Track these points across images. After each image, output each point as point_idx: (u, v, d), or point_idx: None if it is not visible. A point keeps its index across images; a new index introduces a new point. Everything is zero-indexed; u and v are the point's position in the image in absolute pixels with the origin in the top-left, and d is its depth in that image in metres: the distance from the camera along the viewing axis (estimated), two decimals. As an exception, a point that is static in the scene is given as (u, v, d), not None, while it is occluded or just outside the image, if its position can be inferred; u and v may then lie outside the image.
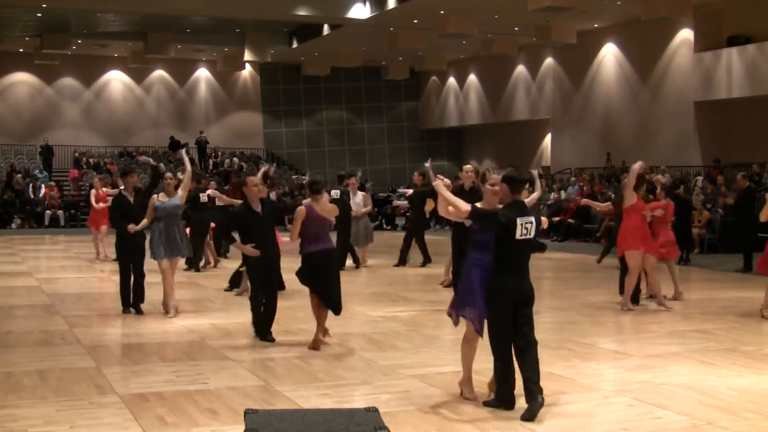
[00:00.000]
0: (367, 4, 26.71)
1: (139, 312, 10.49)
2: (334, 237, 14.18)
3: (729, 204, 16.28)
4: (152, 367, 7.60)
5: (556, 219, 23.34)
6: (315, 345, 8.32)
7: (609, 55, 29.33)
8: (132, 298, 10.56)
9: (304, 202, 8.36)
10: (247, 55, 32.40)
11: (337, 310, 8.39)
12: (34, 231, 26.57)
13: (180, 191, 10.23)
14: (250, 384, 7.02)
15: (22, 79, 35.13)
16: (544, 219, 6.76)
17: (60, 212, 28.20)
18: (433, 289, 13.11)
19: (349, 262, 15.81)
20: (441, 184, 6.37)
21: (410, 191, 16.77)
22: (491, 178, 6.37)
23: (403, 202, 20.06)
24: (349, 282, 14.27)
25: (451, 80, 38.28)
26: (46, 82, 35.36)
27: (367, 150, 39.82)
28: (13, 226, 27.21)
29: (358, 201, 16.08)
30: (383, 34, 28.73)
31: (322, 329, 8.41)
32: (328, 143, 39.16)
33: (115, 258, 11.13)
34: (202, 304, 11.60)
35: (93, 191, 17.48)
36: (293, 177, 31.78)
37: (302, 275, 8.35)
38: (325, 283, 8.28)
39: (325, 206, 8.31)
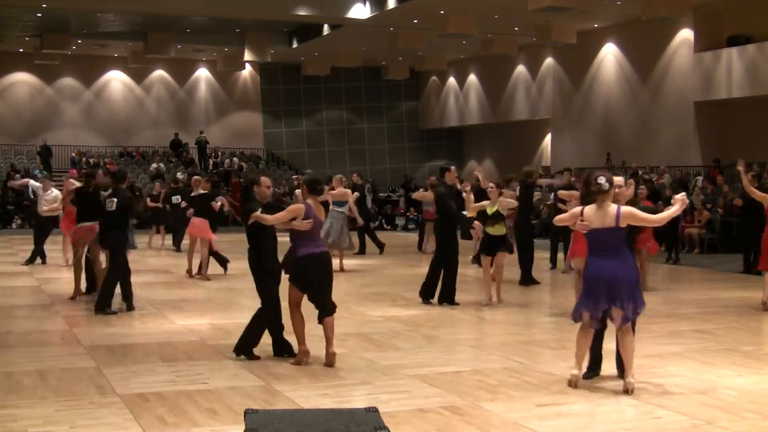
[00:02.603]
0: (367, 4, 26.70)
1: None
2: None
3: (738, 205, 16.23)
4: (152, 367, 7.60)
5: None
6: (300, 360, 7.71)
7: (609, 55, 29.32)
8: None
9: (306, 202, 7.80)
10: (247, 55, 32.40)
11: (329, 312, 7.70)
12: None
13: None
14: (250, 384, 7.02)
15: (22, 79, 35.13)
16: None
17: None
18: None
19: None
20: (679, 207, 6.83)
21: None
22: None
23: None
24: (349, 282, 14.28)
25: (451, 80, 38.28)
26: (46, 82, 35.36)
27: (367, 150, 39.82)
28: (13, 226, 27.20)
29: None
30: (383, 34, 28.72)
31: (304, 343, 7.79)
32: (328, 143, 39.16)
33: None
34: (202, 304, 11.61)
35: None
36: (293, 177, 31.77)
37: (295, 278, 7.70)
38: (318, 286, 7.66)
39: (319, 208, 7.93)
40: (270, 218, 7.61)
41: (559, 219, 7.20)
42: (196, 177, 14.69)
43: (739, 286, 13.46)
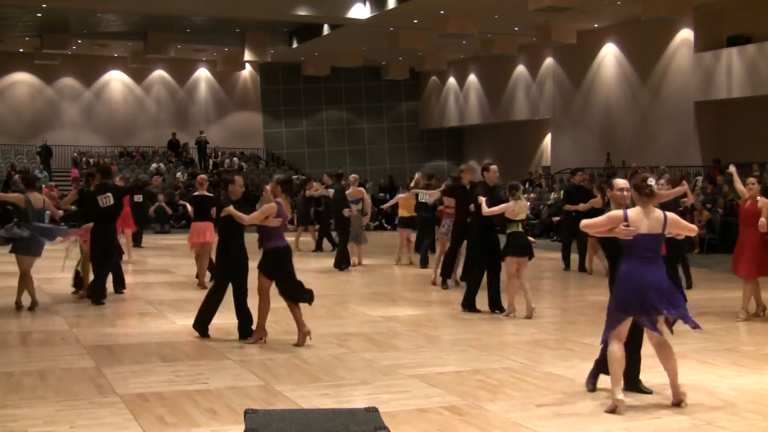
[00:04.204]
0: (367, 4, 26.71)
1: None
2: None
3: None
4: (152, 367, 7.60)
5: (557, 219, 23.35)
6: (257, 340, 8.66)
7: (609, 55, 29.33)
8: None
9: (277, 200, 8.57)
10: (247, 55, 32.41)
11: (310, 299, 8.53)
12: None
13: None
14: (250, 384, 7.02)
15: (22, 79, 35.12)
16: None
17: (60, 212, 28.12)
18: (433, 289, 13.11)
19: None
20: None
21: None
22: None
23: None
24: (349, 282, 14.29)
25: (451, 80, 38.28)
26: (46, 82, 35.36)
27: (367, 150, 39.82)
28: (14, 226, 27.18)
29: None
30: (383, 34, 28.73)
31: (303, 325, 8.58)
32: (328, 143, 39.17)
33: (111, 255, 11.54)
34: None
35: None
36: (293, 177, 31.82)
37: (266, 269, 8.48)
38: (287, 278, 8.48)
39: (287, 205, 8.71)
40: (247, 218, 8.55)
41: (594, 223, 6.41)
42: (201, 176, 14.08)
43: (739, 286, 13.39)
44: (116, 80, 36.40)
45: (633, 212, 6.25)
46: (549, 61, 32.27)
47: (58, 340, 8.90)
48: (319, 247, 19.25)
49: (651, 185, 6.24)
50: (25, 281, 10.74)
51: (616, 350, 6.29)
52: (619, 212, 6.30)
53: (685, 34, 26.12)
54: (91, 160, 32.68)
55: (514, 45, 30.41)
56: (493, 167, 11.00)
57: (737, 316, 10.37)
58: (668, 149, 26.52)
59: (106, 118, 36.13)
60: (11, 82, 35.09)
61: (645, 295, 6.18)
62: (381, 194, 34.28)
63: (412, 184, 16.43)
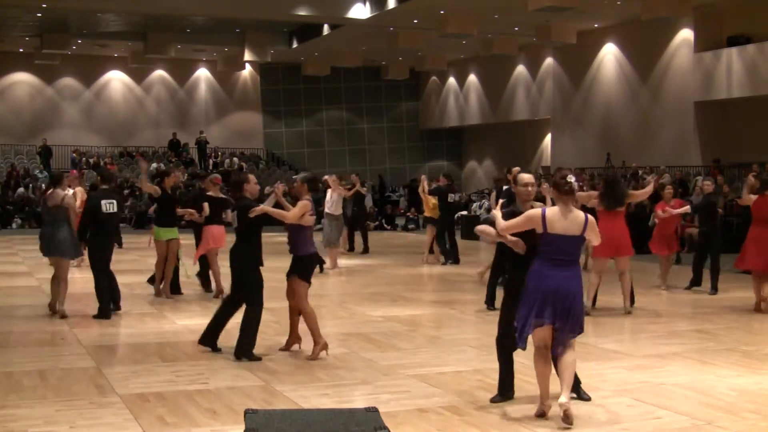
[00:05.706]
0: (367, 4, 26.71)
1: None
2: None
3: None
4: (152, 367, 7.60)
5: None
6: (318, 353, 7.94)
7: (609, 55, 29.34)
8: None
9: (306, 198, 8.02)
10: (247, 55, 32.42)
11: None
12: (34, 231, 26.48)
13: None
14: (250, 384, 7.02)
15: (22, 79, 35.13)
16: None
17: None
18: (433, 289, 13.12)
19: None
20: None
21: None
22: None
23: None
24: (348, 282, 14.28)
25: (451, 80, 38.29)
26: (46, 82, 35.36)
27: (367, 150, 39.83)
28: (14, 226, 27.20)
29: (334, 199, 15.62)
30: (383, 34, 28.74)
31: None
32: (328, 143, 39.18)
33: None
34: (202, 304, 11.59)
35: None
36: (293, 177, 31.80)
37: (306, 275, 7.99)
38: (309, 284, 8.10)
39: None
40: (290, 215, 7.82)
41: (512, 225, 6.02)
42: (216, 176, 12.46)
43: (739, 286, 13.43)
44: (116, 80, 36.42)
45: (551, 211, 5.91)
46: (549, 61, 32.27)
47: (58, 340, 8.90)
48: (351, 248, 19.25)
49: (570, 182, 5.89)
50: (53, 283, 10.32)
51: (537, 361, 6.05)
52: (537, 211, 5.96)
53: (685, 34, 26.13)
54: (91, 160, 32.70)
55: (514, 45, 30.42)
56: (516, 169, 11.36)
57: (758, 306, 10.79)
58: (668, 149, 26.53)
59: (106, 118, 36.13)
60: (11, 82, 35.10)
61: (547, 300, 5.86)
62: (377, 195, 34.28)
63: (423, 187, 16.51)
